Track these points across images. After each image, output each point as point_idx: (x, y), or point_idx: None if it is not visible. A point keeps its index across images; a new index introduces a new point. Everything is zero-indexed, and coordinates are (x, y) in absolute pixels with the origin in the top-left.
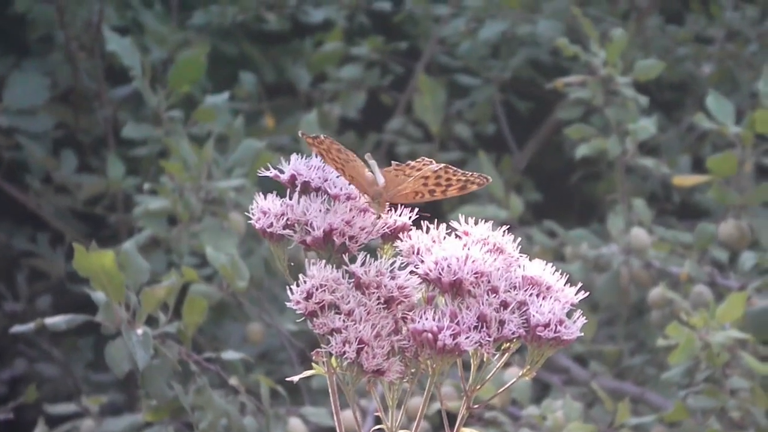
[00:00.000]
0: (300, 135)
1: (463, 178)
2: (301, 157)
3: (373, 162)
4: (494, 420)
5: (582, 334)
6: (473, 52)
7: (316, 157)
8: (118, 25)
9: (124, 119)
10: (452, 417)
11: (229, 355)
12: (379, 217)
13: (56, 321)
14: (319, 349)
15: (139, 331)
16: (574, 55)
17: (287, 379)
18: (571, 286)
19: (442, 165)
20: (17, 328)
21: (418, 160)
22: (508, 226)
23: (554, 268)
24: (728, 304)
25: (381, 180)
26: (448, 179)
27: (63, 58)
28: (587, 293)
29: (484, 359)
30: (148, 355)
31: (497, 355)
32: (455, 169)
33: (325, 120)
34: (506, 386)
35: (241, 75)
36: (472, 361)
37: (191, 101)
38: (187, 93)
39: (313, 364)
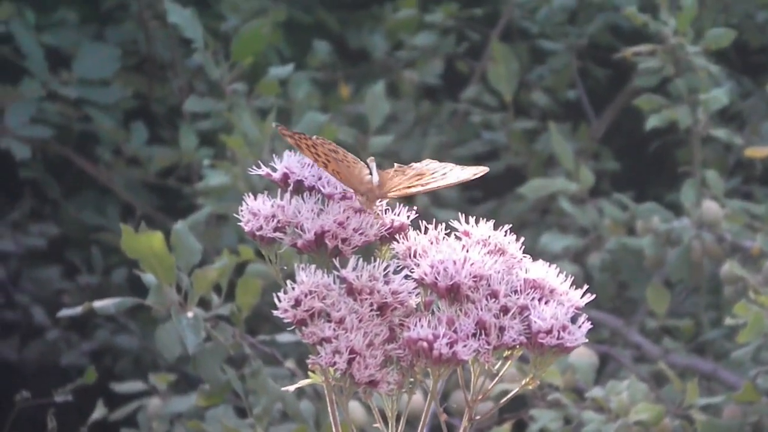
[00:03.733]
0: (275, 127)
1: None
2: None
3: (372, 164)
4: (557, 402)
5: (587, 340)
6: (550, 18)
7: (293, 151)
8: None
9: (199, 89)
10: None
11: (285, 337)
12: (373, 215)
13: (105, 304)
14: (312, 358)
15: (190, 314)
16: (644, 23)
17: (283, 389)
18: (576, 288)
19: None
20: (64, 312)
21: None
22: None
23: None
24: None
25: (376, 179)
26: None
27: (137, 27)
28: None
29: (486, 368)
30: (199, 339)
31: (498, 363)
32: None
33: (401, 88)
34: (507, 398)
35: (315, 43)
36: (471, 369)
37: (265, 71)
38: (260, 63)
39: (309, 373)
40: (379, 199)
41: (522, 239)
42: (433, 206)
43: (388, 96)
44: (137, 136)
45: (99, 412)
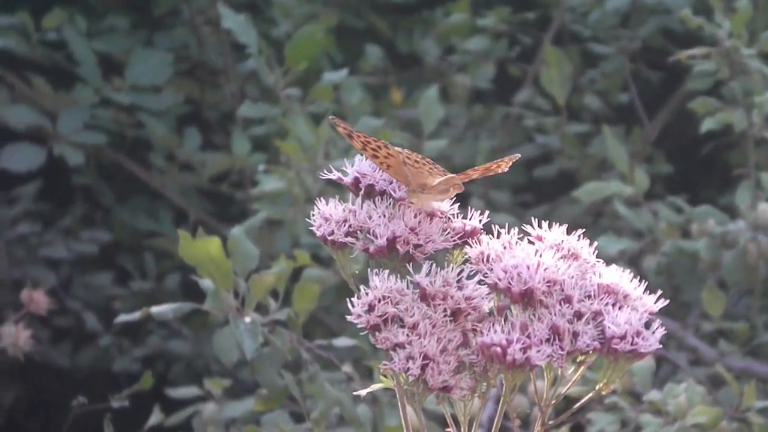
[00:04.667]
0: (330, 120)
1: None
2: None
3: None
4: (615, 405)
5: (661, 345)
6: (602, 22)
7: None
8: None
9: (251, 94)
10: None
11: (342, 341)
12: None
13: (163, 310)
14: (385, 363)
15: (247, 319)
16: (698, 26)
17: (354, 393)
18: (650, 293)
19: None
20: (122, 318)
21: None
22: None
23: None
24: None
25: (436, 181)
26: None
27: (189, 33)
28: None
29: (559, 373)
30: (256, 344)
31: (572, 368)
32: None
33: (453, 93)
34: (577, 406)
35: (367, 48)
36: (545, 374)
37: (316, 76)
38: (311, 68)
39: (381, 377)
40: (429, 192)
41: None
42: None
43: (440, 100)
44: (190, 142)
45: (155, 417)
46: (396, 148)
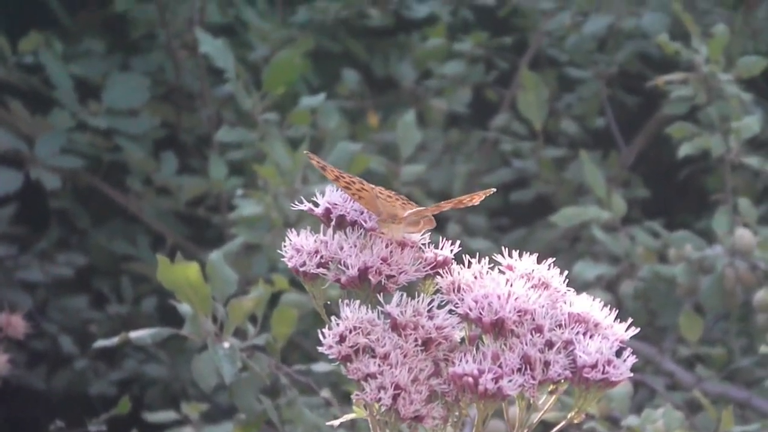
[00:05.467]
0: (305, 154)
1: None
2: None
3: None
4: (593, 430)
5: (631, 374)
6: (579, 46)
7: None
8: (221, 23)
9: (228, 118)
10: None
11: (320, 366)
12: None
13: (141, 335)
14: (357, 393)
15: (226, 345)
16: (676, 51)
17: (327, 423)
18: (620, 321)
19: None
20: (100, 343)
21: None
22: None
23: (602, 303)
24: None
25: (407, 212)
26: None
27: (165, 56)
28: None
29: (531, 402)
30: (235, 369)
31: (543, 397)
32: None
33: (429, 117)
34: (555, 431)
35: (344, 72)
36: (517, 403)
37: (293, 100)
38: (288, 92)
39: (354, 408)
40: (399, 223)
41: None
42: (464, 235)
43: (417, 124)
44: (167, 166)
45: None
46: (369, 185)
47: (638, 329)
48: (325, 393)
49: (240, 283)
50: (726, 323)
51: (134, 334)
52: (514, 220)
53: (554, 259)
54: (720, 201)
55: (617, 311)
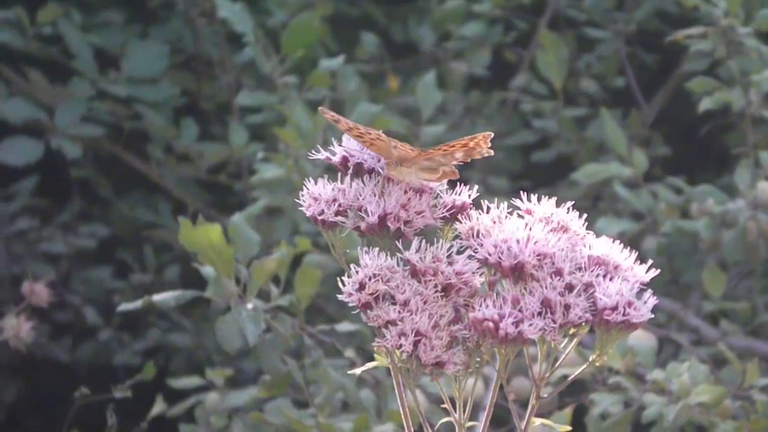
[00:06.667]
0: (319, 110)
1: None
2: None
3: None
4: (618, 385)
5: (653, 315)
6: (598, 5)
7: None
8: None
9: (248, 85)
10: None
11: (344, 327)
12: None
13: (165, 297)
14: (378, 341)
15: (249, 306)
16: (694, 6)
17: (348, 372)
18: (641, 263)
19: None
20: (124, 306)
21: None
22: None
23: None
24: None
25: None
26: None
27: (184, 24)
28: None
29: (552, 346)
30: (259, 330)
31: (565, 341)
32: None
33: (449, 79)
34: (572, 377)
35: (362, 36)
36: (538, 348)
37: (312, 65)
38: (307, 56)
39: (375, 356)
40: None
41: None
42: (486, 195)
43: (437, 87)
44: (187, 133)
45: (158, 407)
46: (386, 136)
47: (661, 285)
48: (350, 353)
49: (263, 247)
50: (750, 281)
51: (158, 297)
52: (536, 181)
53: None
54: (741, 155)
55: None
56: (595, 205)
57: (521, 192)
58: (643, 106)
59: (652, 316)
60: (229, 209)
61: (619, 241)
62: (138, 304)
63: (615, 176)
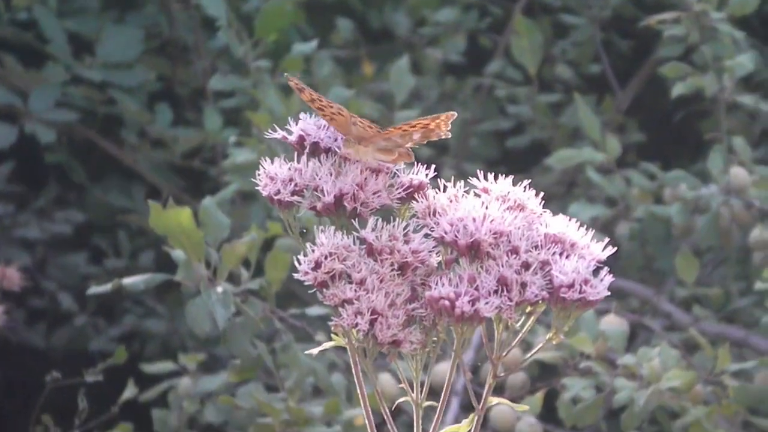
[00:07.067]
0: (285, 76)
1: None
2: (311, 117)
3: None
4: (589, 370)
5: (609, 293)
6: None
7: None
8: None
9: (222, 70)
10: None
11: (315, 310)
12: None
13: (134, 281)
14: (335, 320)
15: (219, 289)
16: None
17: (306, 352)
18: (597, 241)
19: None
20: (94, 290)
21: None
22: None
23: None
24: None
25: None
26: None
27: (159, 9)
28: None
29: (509, 324)
30: (228, 314)
31: (521, 320)
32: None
33: (425, 65)
34: (533, 352)
35: (338, 21)
36: (495, 326)
37: (286, 49)
38: (281, 42)
39: (332, 335)
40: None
41: (549, 211)
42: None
43: (412, 73)
44: (162, 118)
45: (129, 391)
46: (348, 112)
47: (634, 271)
48: (320, 337)
49: (236, 232)
50: (724, 268)
51: (128, 281)
52: (511, 167)
53: (549, 203)
54: (714, 141)
55: (614, 253)
56: (569, 191)
57: (496, 178)
58: (617, 92)
59: (609, 293)
60: (204, 194)
61: (592, 227)
62: (108, 287)
63: (588, 161)
